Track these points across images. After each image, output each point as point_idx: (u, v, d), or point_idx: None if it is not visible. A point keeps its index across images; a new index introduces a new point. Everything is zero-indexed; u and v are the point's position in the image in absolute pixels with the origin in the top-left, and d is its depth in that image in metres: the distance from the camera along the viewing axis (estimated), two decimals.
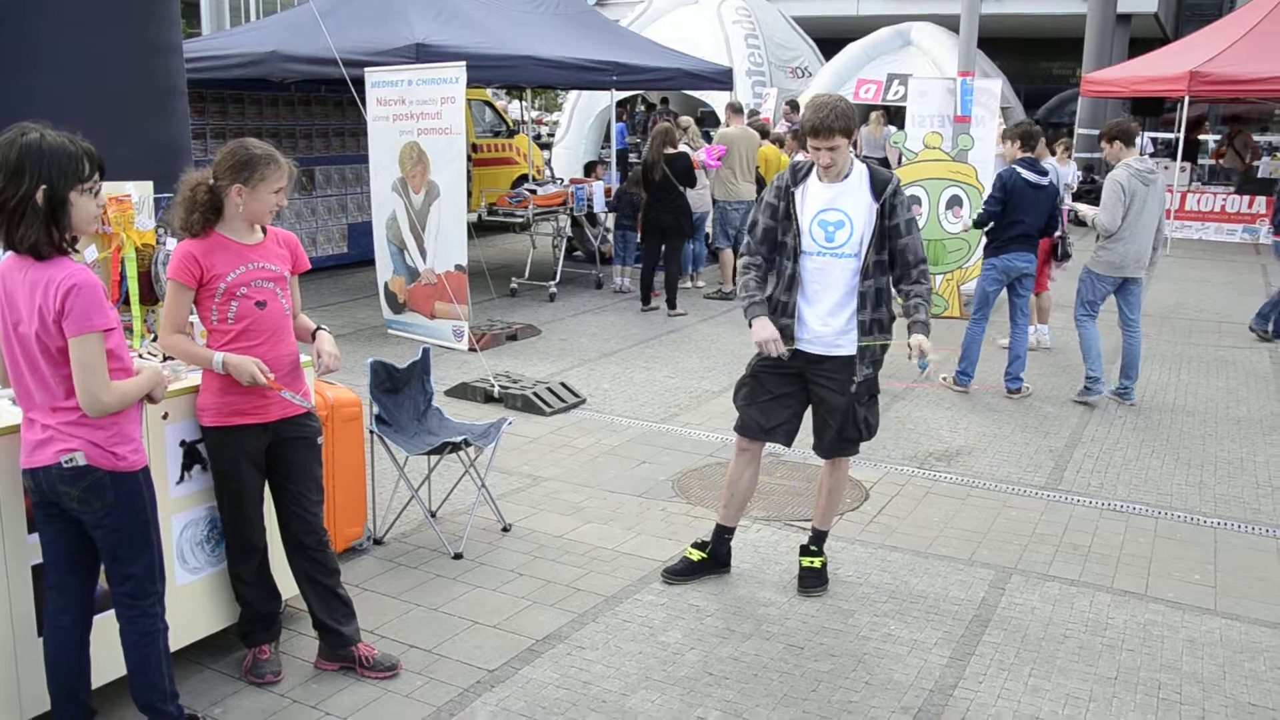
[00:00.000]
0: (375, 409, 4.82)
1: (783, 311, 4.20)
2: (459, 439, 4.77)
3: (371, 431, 4.77)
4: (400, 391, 5.01)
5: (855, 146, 4.30)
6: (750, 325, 4.22)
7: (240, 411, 3.44)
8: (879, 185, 4.11)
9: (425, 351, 5.12)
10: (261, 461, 3.54)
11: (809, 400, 4.33)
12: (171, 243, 4.22)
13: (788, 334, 4.19)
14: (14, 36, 4.15)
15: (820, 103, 4.02)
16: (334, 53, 7.11)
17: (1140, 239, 7.14)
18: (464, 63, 8.28)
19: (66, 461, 2.85)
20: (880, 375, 4.35)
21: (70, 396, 2.84)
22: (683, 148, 10.48)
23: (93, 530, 2.95)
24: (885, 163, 14.28)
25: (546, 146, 22.10)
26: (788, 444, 4.43)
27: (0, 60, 4.16)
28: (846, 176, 4.13)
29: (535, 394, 7.09)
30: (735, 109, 11.72)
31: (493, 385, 7.23)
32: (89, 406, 2.83)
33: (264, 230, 3.53)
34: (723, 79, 13.14)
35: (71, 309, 2.75)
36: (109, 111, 4.16)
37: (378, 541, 4.87)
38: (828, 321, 4.15)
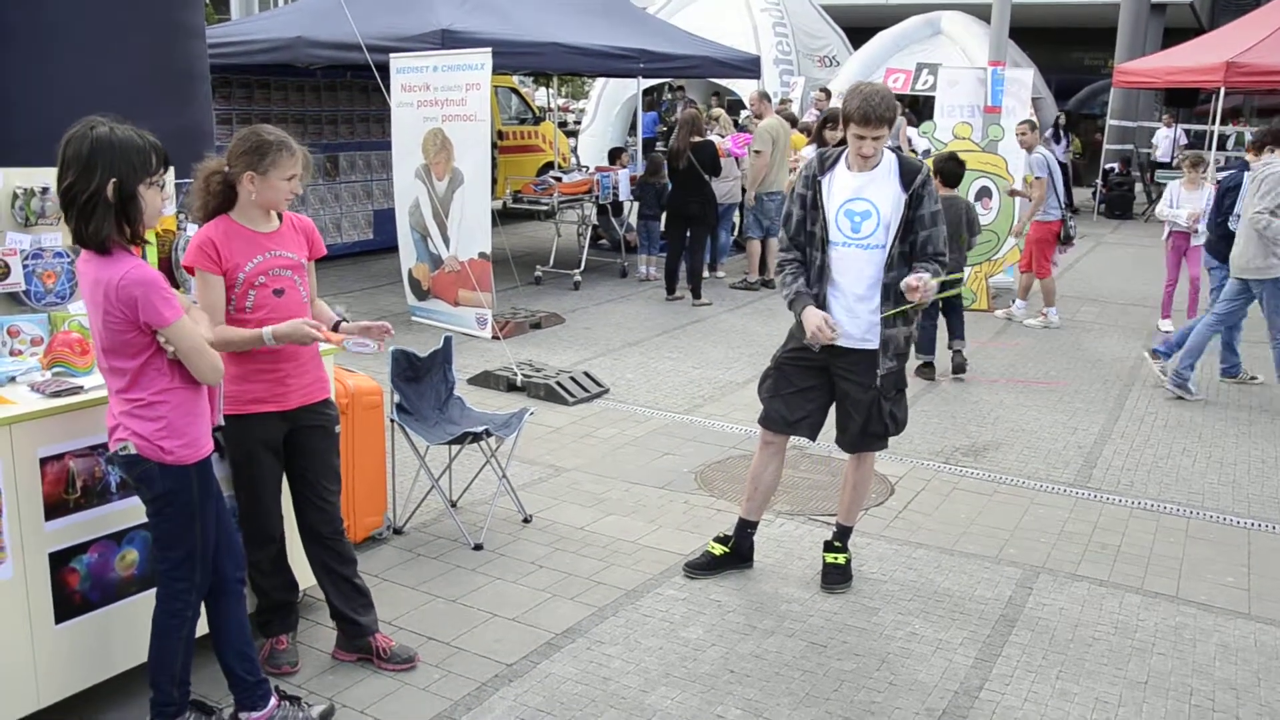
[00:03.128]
0: (396, 398, 4.78)
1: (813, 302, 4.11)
2: (480, 429, 4.73)
3: (392, 420, 4.74)
4: (422, 380, 4.97)
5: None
6: (799, 318, 4.11)
7: (259, 400, 3.40)
8: (908, 175, 4.02)
9: (447, 340, 5.08)
10: (279, 450, 3.51)
11: (834, 393, 4.25)
12: (192, 229, 4.19)
13: None
14: (33, 19, 4.13)
15: (868, 91, 3.93)
16: (358, 38, 7.06)
17: (1239, 236, 7.10)
18: (490, 49, 8.22)
19: (120, 450, 2.93)
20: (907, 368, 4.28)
21: (128, 390, 2.89)
22: (712, 137, 10.38)
23: (146, 510, 3.02)
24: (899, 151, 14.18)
25: (573, 134, 22.01)
26: (812, 437, 4.35)
27: (19, 43, 4.13)
28: (876, 166, 4.05)
29: (558, 383, 7.04)
30: (767, 97, 11.59)
31: (515, 374, 7.19)
32: (214, 380, 2.99)
33: (279, 217, 3.48)
34: (751, 67, 13.03)
35: (143, 307, 2.79)
36: (129, 96, 4.12)
37: (398, 531, 4.84)
38: (853, 313, 4.07)
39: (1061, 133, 19.04)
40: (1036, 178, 9.38)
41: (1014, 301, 9.99)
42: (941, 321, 7.82)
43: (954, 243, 7.81)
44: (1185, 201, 9.17)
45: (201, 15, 4.73)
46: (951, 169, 7.85)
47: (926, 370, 7.77)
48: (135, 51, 4.35)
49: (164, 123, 4.40)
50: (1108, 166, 18.55)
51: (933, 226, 4.04)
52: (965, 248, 7.81)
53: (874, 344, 4.08)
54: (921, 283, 3.85)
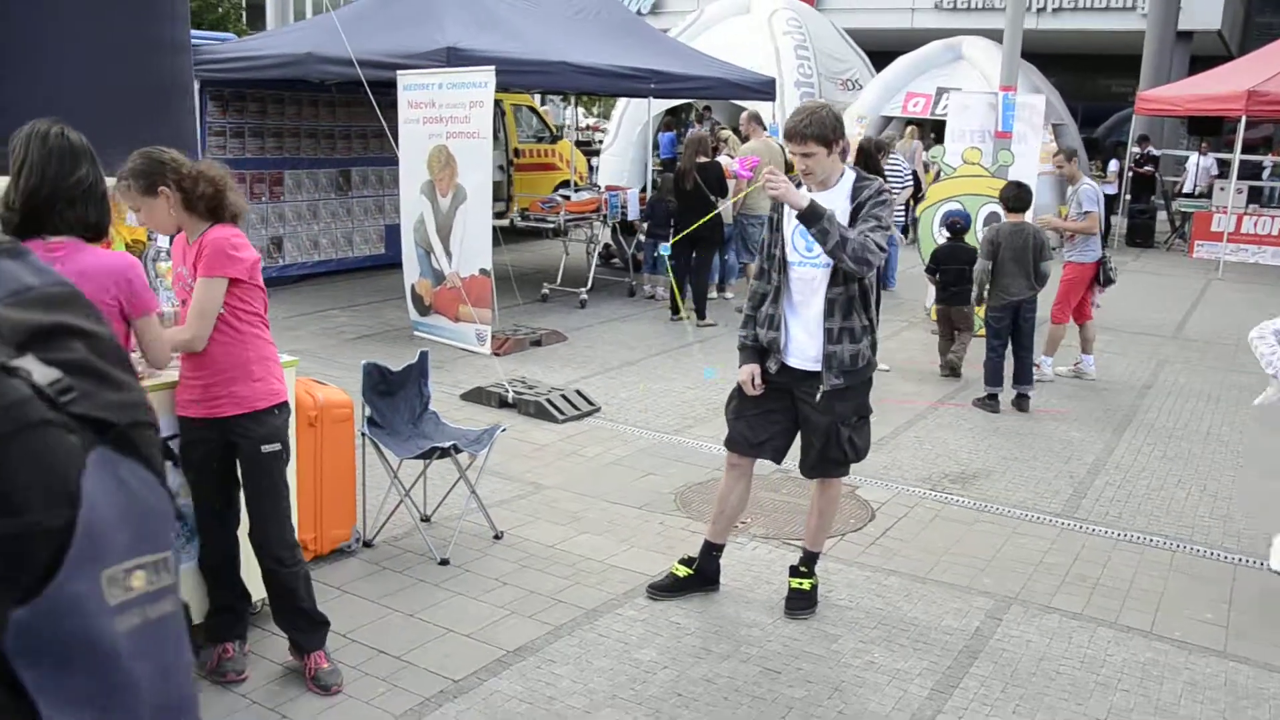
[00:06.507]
0: (368, 411, 4.79)
1: (770, 324, 4.09)
2: (448, 444, 4.72)
3: (363, 434, 4.74)
4: (395, 394, 4.98)
5: (845, 156, 4.20)
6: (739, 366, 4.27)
7: (188, 403, 3.42)
8: (857, 190, 3.99)
9: (423, 354, 5.09)
10: (212, 461, 3.49)
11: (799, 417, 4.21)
12: (162, 240, 4.22)
13: (775, 346, 4.08)
14: (16, 33, 4.19)
15: (799, 108, 3.99)
16: (349, 54, 7.13)
17: None
18: (493, 67, 8.27)
19: None
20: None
21: None
22: (722, 158, 10.37)
23: None
24: (915, 176, 14.00)
25: (596, 153, 22.05)
26: (777, 461, 4.31)
27: (2, 56, 4.19)
28: (836, 184, 4.02)
29: (549, 400, 7.03)
30: (758, 120, 11.56)
31: (507, 391, 7.19)
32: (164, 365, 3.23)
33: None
34: (765, 89, 13.00)
35: (138, 292, 2.96)
36: (109, 108, 4.17)
37: (367, 544, 4.83)
38: (810, 333, 4.03)
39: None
40: (1085, 212, 8.19)
41: (1080, 357, 8.68)
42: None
43: (1021, 269, 7.50)
44: None
45: (185, 30, 4.78)
46: (1018, 196, 7.65)
47: (990, 402, 7.50)
48: (116, 66, 4.39)
49: (144, 136, 4.46)
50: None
51: (863, 223, 3.94)
52: (1036, 276, 7.48)
53: None
54: (775, 176, 3.85)
